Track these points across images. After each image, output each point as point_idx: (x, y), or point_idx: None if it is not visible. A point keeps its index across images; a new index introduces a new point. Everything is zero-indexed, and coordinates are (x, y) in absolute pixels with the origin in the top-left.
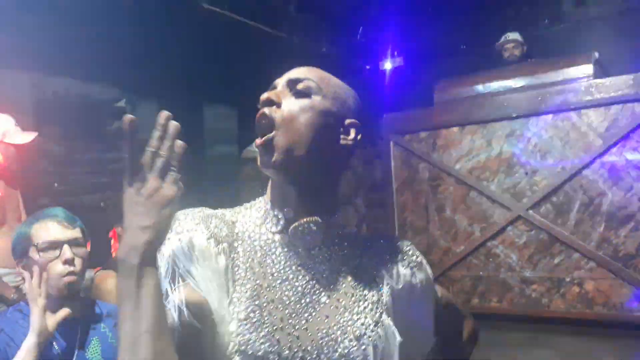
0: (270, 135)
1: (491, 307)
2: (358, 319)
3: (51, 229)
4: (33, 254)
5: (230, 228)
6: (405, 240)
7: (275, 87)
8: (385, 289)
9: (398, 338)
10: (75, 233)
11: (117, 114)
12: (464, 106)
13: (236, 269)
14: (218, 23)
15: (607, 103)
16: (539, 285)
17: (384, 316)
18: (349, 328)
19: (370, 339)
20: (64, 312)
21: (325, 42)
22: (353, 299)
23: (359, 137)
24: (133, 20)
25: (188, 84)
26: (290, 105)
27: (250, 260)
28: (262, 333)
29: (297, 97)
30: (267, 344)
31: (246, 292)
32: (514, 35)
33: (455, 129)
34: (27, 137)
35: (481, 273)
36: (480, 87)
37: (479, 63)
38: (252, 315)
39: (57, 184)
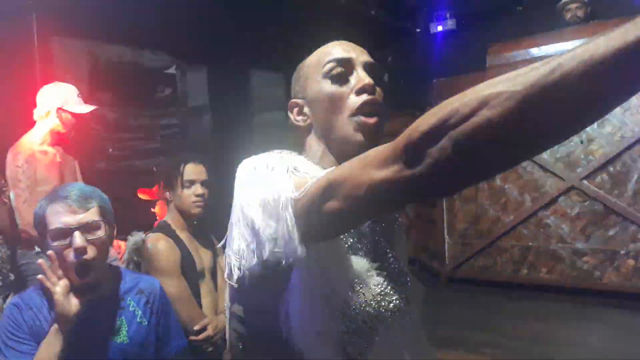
0: (375, 120)
1: (540, 278)
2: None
3: (61, 213)
4: (49, 239)
5: None
6: None
7: (351, 64)
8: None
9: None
10: (89, 216)
11: (168, 80)
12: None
13: None
14: None
15: None
16: (592, 258)
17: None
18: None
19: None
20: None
21: (373, 4)
22: (391, 256)
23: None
24: None
25: (236, 50)
26: (379, 92)
27: None
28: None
29: (377, 84)
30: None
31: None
32: None
33: None
34: (87, 108)
35: (531, 243)
36: (536, 50)
37: (536, 25)
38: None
39: (111, 149)
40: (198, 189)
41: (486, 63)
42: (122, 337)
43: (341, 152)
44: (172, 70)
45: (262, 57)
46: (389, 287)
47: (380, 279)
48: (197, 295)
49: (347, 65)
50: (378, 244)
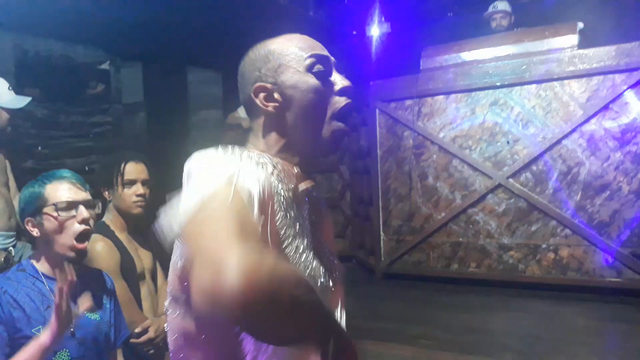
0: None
1: (470, 273)
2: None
3: (67, 189)
4: (50, 212)
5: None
6: None
7: (330, 65)
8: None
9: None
10: (87, 195)
11: (101, 76)
12: (449, 74)
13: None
14: None
15: (589, 74)
16: (516, 252)
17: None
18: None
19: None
20: (87, 303)
21: (312, 6)
22: (319, 237)
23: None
24: None
25: (173, 47)
26: None
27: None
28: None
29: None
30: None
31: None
32: (502, 6)
33: (440, 97)
34: (22, 101)
35: (461, 239)
36: (466, 55)
37: (466, 30)
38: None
39: (40, 147)
40: (139, 188)
41: (419, 66)
42: (95, 315)
43: (307, 151)
44: (105, 66)
45: (199, 55)
46: (318, 267)
47: (310, 259)
48: (137, 297)
49: (326, 64)
50: (307, 225)
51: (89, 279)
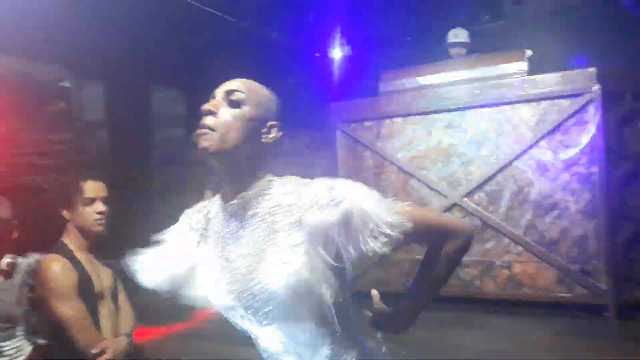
0: (204, 131)
1: None
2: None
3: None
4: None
5: (205, 216)
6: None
7: (214, 97)
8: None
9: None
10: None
11: (62, 93)
12: (406, 97)
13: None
14: (167, 5)
15: (538, 98)
16: (472, 269)
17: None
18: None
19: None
20: None
21: (275, 28)
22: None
23: (279, 134)
24: None
25: (136, 65)
26: (225, 113)
27: (215, 234)
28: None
29: (231, 106)
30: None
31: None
32: (461, 36)
33: (398, 119)
34: None
35: (419, 256)
36: (422, 79)
37: (423, 55)
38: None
39: None
40: (99, 206)
41: (378, 89)
42: None
43: None
44: (66, 83)
45: (162, 75)
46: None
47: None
48: (95, 317)
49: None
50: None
51: None
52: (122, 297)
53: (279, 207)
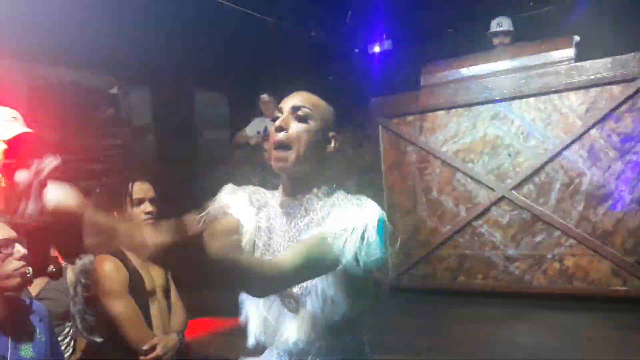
0: (286, 153)
1: (476, 284)
2: None
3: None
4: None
5: (265, 200)
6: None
7: (281, 110)
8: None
9: None
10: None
11: (110, 100)
12: (449, 89)
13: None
14: (209, 9)
15: (587, 85)
16: (522, 263)
17: None
18: None
19: None
20: None
21: (314, 26)
22: None
23: (337, 145)
24: (125, 7)
25: (179, 70)
26: (295, 128)
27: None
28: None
29: (299, 121)
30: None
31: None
32: (505, 25)
33: (441, 112)
34: (11, 132)
35: (466, 251)
36: (465, 70)
37: (466, 46)
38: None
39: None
40: (147, 206)
41: (420, 82)
42: (30, 353)
43: None
44: (114, 90)
45: (205, 77)
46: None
47: None
48: (147, 315)
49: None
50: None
51: (24, 311)
52: (174, 294)
53: (327, 216)
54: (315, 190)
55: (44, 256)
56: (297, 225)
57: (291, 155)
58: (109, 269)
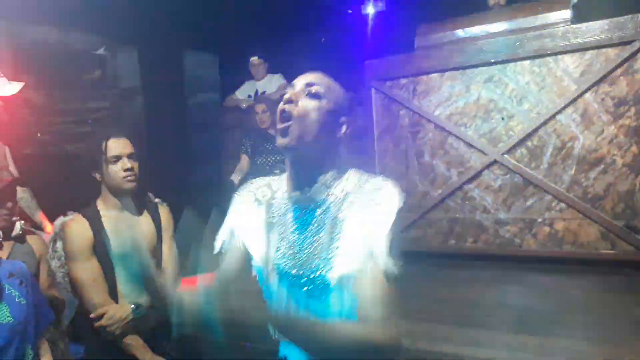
0: (288, 124)
1: (467, 247)
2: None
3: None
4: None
5: (272, 192)
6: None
7: (293, 86)
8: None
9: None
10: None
11: (98, 62)
12: (443, 51)
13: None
14: None
15: (583, 48)
16: (512, 226)
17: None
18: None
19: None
20: None
21: None
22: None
23: (348, 131)
24: None
25: (168, 31)
26: (305, 103)
27: (278, 211)
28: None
29: (310, 98)
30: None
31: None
32: None
33: (435, 75)
34: (14, 88)
35: (457, 215)
36: (460, 32)
37: (461, 7)
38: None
39: (40, 134)
40: (126, 163)
41: (414, 45)
42: (7, 318)
43: None
44: (101, 52)
45: (194, 39)
46: None
47: None
48: (111, 279)
49: None
50: None
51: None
52: (166, 257)
53: (343, 201)
54: (321, 178)
55: (8, 220)
56: (309, 211)
57: (294, 129)
58: (73, 229)
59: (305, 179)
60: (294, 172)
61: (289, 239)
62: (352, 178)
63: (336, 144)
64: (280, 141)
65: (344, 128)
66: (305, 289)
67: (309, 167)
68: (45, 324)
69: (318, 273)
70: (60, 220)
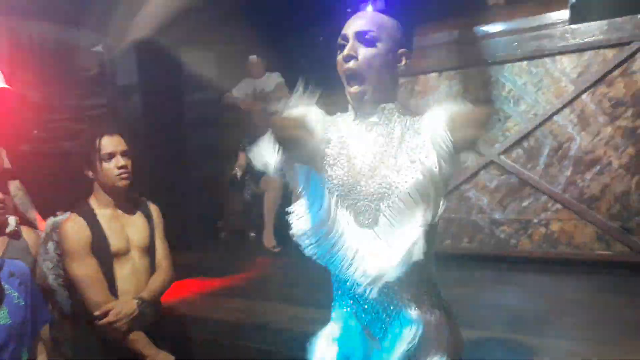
0: (362, 88)
1: (462, 248)
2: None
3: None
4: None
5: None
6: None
7: (345, 38)
8: None
9: None
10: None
11: (95, 59)
12: (442, 51)
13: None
14: None
15: (581, 49)
16: (508, 227)
17: None
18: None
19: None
20: None
21: None
22: None
23: (408, 61)
24: None
25: (166, 28)
26: (364, 54)
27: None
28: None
29: (367, 45)
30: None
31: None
32: None
33: (433, 74)
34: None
35: (453, 215)
36: (459, 32)
37: (460, 5)
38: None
39: (36, 131)
40: (119, 160)
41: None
42: (5, 319)
43: None
44: (99, 49)
45: (192, 36)
46: None
47: None
48: (110, 276)
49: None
50: None
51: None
52: (161, 253)
53: (406, 122)
54: (385, 109)
55: (2, 214)
56: (372, 130)
57: (367, 89)
58: (70, 229)
59: (373, 109)
60: (359, 111)
61: (349, 154)
62: (406, 115)
63: (397, 75)
64: (355, 102)
65: (403, 60)
66: (359, 203)
67: (377, 102)
68: (41, 324)
69: (382, 183)
70: (51, 220)
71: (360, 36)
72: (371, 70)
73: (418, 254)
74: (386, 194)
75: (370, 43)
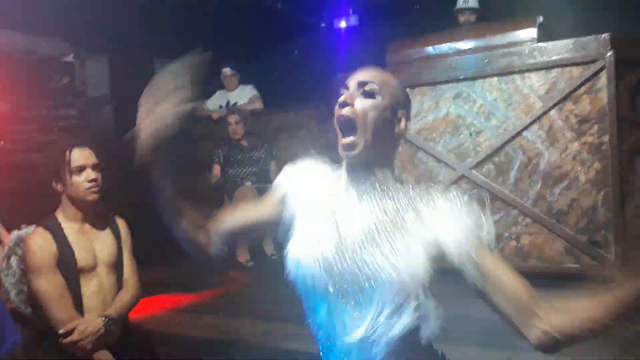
0: (354, 139)
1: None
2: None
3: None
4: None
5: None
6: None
7: (347, 87)
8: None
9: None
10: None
11: (65, 69)
12: (414, 67)
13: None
14: None
15: (548, 66)
16: None
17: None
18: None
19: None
20: None
21: None
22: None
23: (408, 124)
24: None
25: (138, 38)
26: (360, 104)
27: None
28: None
29: (365, 97)
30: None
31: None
32: (472, 2)
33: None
34: None
35: None
36: (430, 49)
37: (432, 23)
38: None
39: (3, 142)
40: (90, 174)
41: (385, 60)
42: None
43: None
44: (69, 59)
45: (165, 47)
46: None
47: None
48: (77, 293)
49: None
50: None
51: None
52: (128, 269)
53: (406, 205)
54: (380, 174)
55: None
56: (364, 205)
57: (360, 142)
58: (35, 243)
59: (366, 171)
60: (352, 167)
61: (339, 228)
62: (413, 187)
63: (395, 139)
64: (345, 154)
65: (402, 122)
66: (345, 284)
67: (371, 163)
68: (8, 347)
69: (372, 271)
70: (15, 234)
71: (361, 86)
72: (366, 121)
73: (399, 329)
74: (372, 278)
75: (369, 94)
